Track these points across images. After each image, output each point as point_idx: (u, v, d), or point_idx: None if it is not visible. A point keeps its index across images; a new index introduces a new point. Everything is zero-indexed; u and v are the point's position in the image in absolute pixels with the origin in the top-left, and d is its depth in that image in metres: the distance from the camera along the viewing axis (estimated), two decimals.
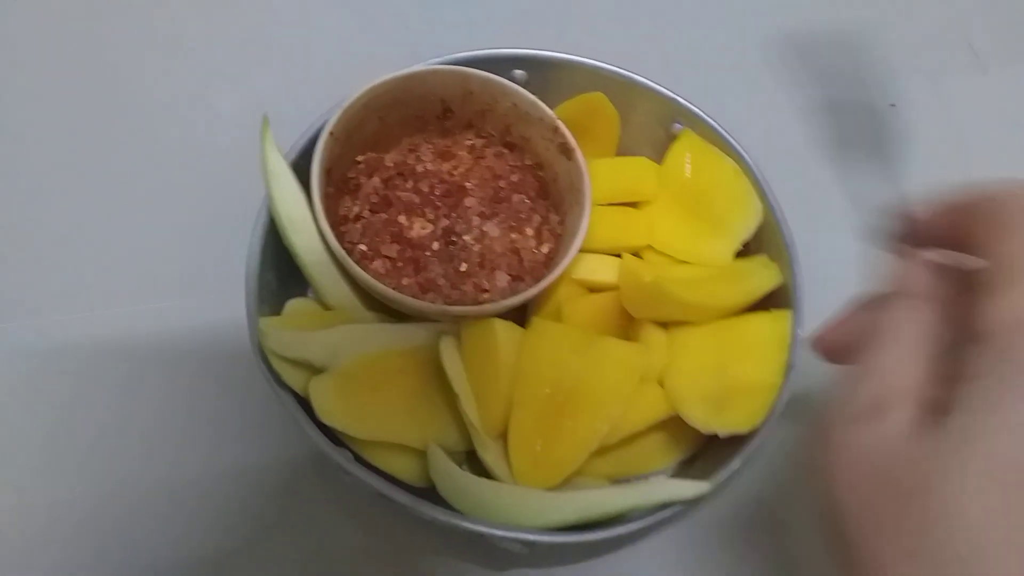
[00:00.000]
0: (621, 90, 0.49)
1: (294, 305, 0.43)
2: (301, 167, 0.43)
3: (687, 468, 0.44)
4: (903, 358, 0.25)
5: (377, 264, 0.45)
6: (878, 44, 0.61)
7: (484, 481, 0.38)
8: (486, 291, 0.45)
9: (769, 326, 0.42)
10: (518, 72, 0.50)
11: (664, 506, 0.37)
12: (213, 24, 0.62)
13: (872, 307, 0.28)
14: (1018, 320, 0.22)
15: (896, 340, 0.25)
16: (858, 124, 0.54)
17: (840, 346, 0.30)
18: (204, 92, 0.58)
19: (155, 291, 0.50)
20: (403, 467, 0.40)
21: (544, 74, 0.50)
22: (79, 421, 0.46)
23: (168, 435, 0.46)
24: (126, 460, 0.45)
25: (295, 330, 0.38)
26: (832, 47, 0.61)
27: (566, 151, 0.47)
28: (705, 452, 0.43)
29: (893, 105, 0.59)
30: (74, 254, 0.51)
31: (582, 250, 0.46)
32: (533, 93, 0.47)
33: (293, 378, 0.38)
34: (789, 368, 0.40)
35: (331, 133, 0.43)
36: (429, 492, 0.39)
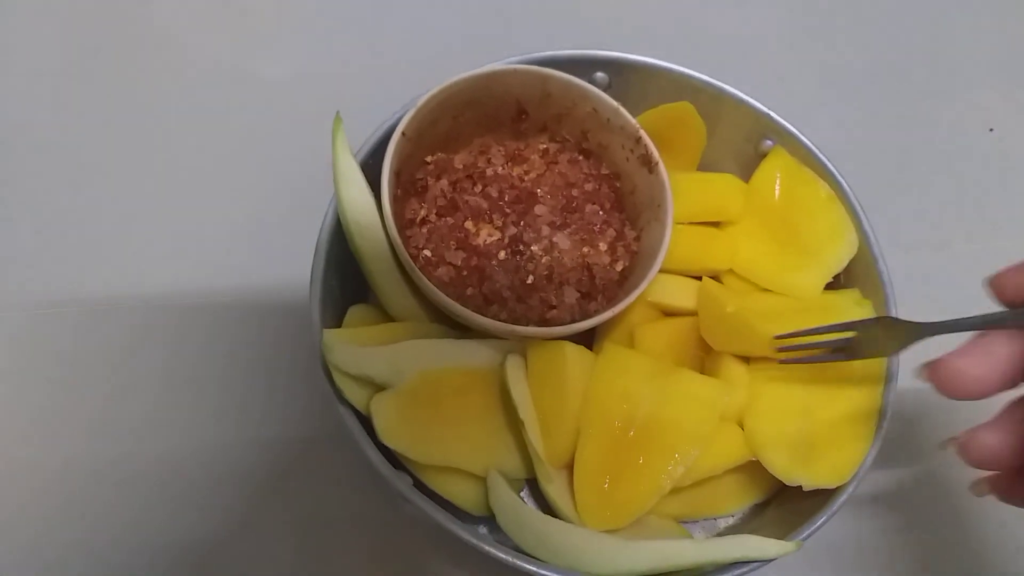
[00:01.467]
0: (709, 101, 0.46)
1: (356, 312, 0.41)
2: (369, 166, 0.41)
3: (759, 513, 0.41)
4: None
5: (441, 271, 0.43)
6: (973, 66, 0.58)
7: (552, 520, 0.35)
8: (554, 307, 0.43)
9: (862, 369, 0.39)
10: (599, 75, 0.47)
11: (741, 563, 0.34)
12: (287, 13, 0.60)
13: None
14: None
15: None
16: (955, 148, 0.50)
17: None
18: (276, 82, 0.57)
19: (217, 281, 0.49)
20: (462, 493, 0.38)
21: (627, 79, 0.47)
22: (129, 384, 0.46)
23: (203, 406, 0.46)
24: (170, 425, 0.45)
25: (358, 345, 0.36)
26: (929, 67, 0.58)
27: (648, 163, 0.44)
28: (780, 499, 0.41)
29: (992, 130, 0.55)
30: (139, 224, 0.51)
31: (660, 270, 0.43)
32: (614, 98, 0.44)
33: (355, 395, 0.36)
34: (882, 418, 0.37)
35: (403, 133, 0.41)
36: (486, 520, 0.37)
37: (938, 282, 0.31)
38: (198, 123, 0.55)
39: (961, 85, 0.56)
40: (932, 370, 0.27)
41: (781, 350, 0.36)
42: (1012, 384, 0.27)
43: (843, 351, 0.34)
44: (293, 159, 0.49)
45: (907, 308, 0.40)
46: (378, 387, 0.37)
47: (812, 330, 0.36)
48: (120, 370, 0.46)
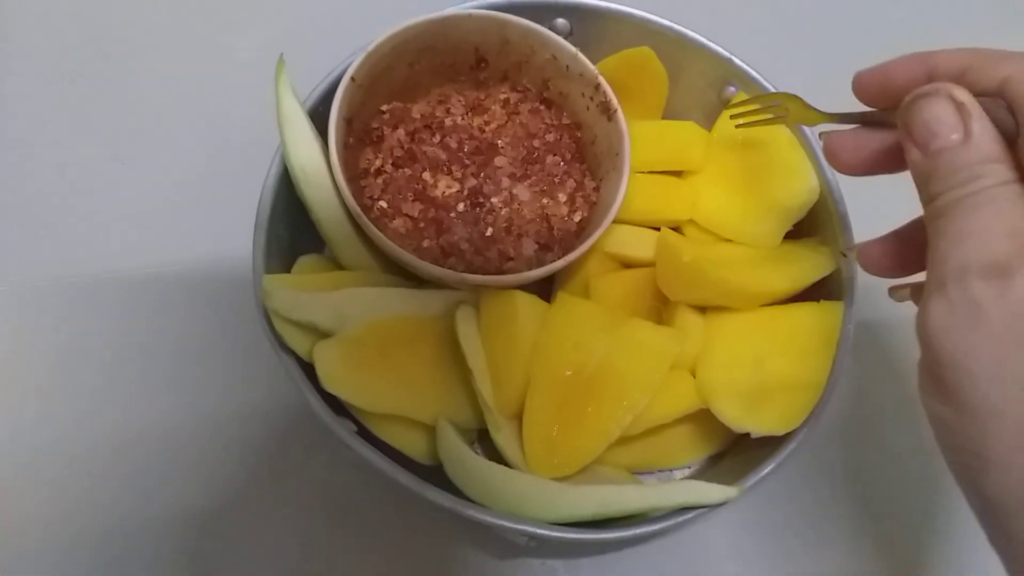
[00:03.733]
0: (671, 47, 0.45)
1: (306, 262, 0.41)
2: (321, 115, 0.40)
3: (714, 464, 0.41)
4: (1005, 213, 0.24)
5: (397, 223, 0.42)
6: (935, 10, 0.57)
7: (496, 467, 0.35)
8: (511, 259, 0.42)
9: (817, 318, 0.38)
10: (560, 21, 0.46)
11: (686, 508, 0.34)
12: None
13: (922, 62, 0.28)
14: None
15: (994, 199, 0.24)
16: None
17: (884, 88, 0.29)
18: (218, 35, 0.55)
19: (167, 238, 0.48)
20: (410, 442, 0.38)
21: (588, 25, 0.46)
22: (79, 360, 0.45)
23: (171, 379, 0.45)
24: (126, 401, 0.44)
25: (301, 291, 0.36)
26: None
27: (607, 111, 0.43)
28: (735, 449, 0.40)
29: None
30: (86, 197, 0.50)
31: (617, 221, 0.42)
32: (576, 46, 0.43)
33: (297, 342, 0.36)
34: (836, 367, 0.37)
35: (352, 79, 0.40)
36: (436, 470, 0.36)
37: (899, 218, 0.32)
38: (136, 88, 0.53)
39: (921, 29, 0.55)
40: (825, 140, 0.32)
41: (733, 117, 0.38)
42: (883, 170, 0.31)
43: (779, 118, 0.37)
44: (243, 118, 0.47)
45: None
46: (323, 335, 0.36)
47: (750, 99, 0.38)
48: (68, 346, 0.45)
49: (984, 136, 0.25)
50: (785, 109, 0.36)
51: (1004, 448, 0.23)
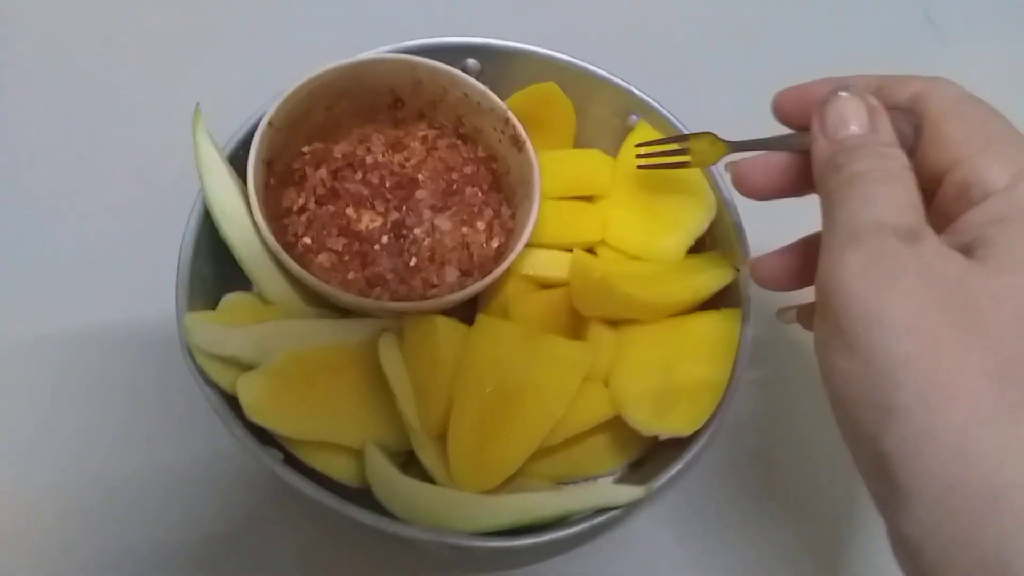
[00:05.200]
0: (577, 81, 0.48)
1: (230, 300, 0.42)
2: (242, 159, 0.42)
3: (635, 471, 0.42)
4: (908, 190, 0.26)
5: (322, 258, 0.44)
6: (832, 17, 0.60)
7: (418, 484, 0.36)
8: (435, 286, 0.44)
9: (718, 325, 0.41)
10: (471, 61, 0.49)
11: (600, 511, 0.35)
12: (148, 15, 0.60)
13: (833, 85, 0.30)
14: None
15: (899, 176, 0.26)
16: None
17: (803, 106, 0.32)
18: (140, 87, 0.56)
19: (89, 290, 0.48)
20: (340, 468, 0.39)
21: (498, 64, 0.48)
22: (12, 419, 0.45)
23: (105, 433, 0.44)
24: (60, 459, 0.44)
25: (223, 325, 0.37)
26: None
27: (517, 143, 0.46)
28: (654, 455, 0.42)
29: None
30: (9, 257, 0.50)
31: (534, 245, 0.44)
32: (488, 84, 0.46)
33: (220, 375, 0.37)
34: (736, 368, 0.39)
35: (270, 123, 0.42)
36: (366, 493, 0.37)
37: (795, 232, 0.35)
38: (45, 135, 0.54)
39: (812, 58, 0.60)
40: (732, 169, 0.35)
41: (639, 157, 0.42)
42: (788, 193, 0.34)
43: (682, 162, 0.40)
44: (166, 170, 0.47)
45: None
46: (247, 368, 0.37)
47: (657, 141, 0.42)
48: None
49: (888, 132, 0.28)
50: (691, 150, 0.39)
51: (909, 397, 0.23)
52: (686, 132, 0.46)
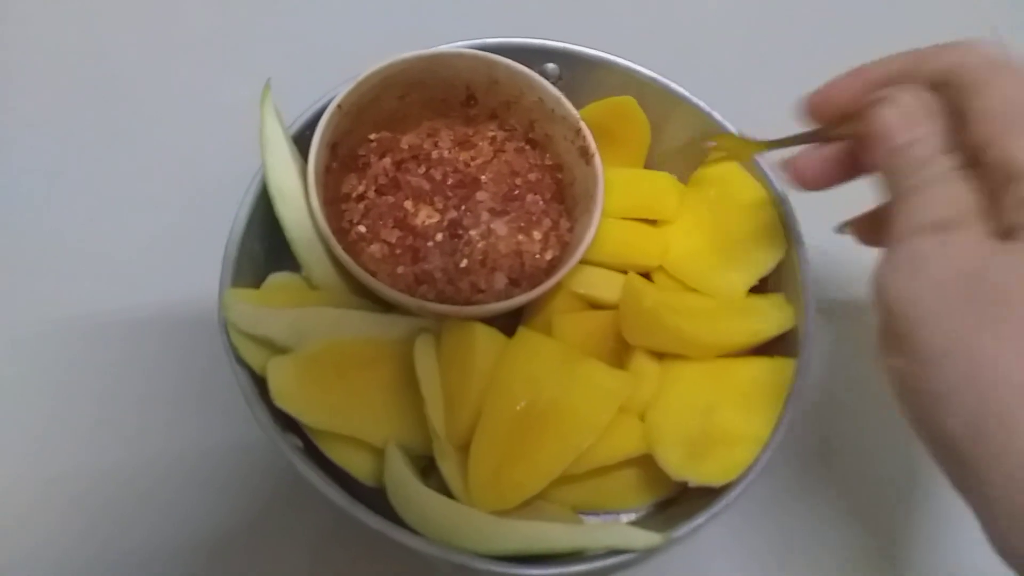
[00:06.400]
0: (656, 98, 0.46)
1: (276, 279, 0.42)
2: (307, 139, 0.42)
3: (660, 512, 0.40)
4: (953, 179, 0.27)
5: (374, 248, 0.43)
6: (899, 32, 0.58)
7: (433, 494, 0.35)
8: (482, 291, 0.43)
9: (769, 373, 0.38)
10: (550, 66, 0.47)
11: (615, 552, 0.34)
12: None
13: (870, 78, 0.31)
14: None
15: (939, 179, 0.27)
16: None
17: (834, 108, 0.33)
18: (207, 72, 0.57)
19: (149, 280, 0.49)
20: (359, 464, 0.38)
21: (578, 71, 0.47)
22: (60, 404, 0.45)
23: (156, 420, 0.45)
24: (78, 445, 0.44)
25: (261, 305, 0.37)
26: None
27: (585, 154, 0.44)
28: (683, 498, 0.40)
29: None
30: (62, 242, 0.50)
31: (589, 263, 0.43)
32: (565, 91, 0.45)
33: (253, 356, 0.37)
34: (781, 423, 0.36)
35: (339, 106, 0.42)
36: (383, 495, 0.37)
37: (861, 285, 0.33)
38: (120, 127, 0.54)
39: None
40: (784, 165, 0.36)
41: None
42: (842, 180, 0.35)
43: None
44: (227, 158, 0.45)
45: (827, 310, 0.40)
46: (280, 352, 0.37)
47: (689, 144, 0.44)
48: (50, 391, 0.45)
49: (930, 137, 0.28)
50: (722, 148, 0.39)
51: (951, 386, 0.24)
52: (762, 164, 0.43)
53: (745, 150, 0.38)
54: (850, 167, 0.34)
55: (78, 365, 0.46)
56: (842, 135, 0.33)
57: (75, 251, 0.50)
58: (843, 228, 0.38)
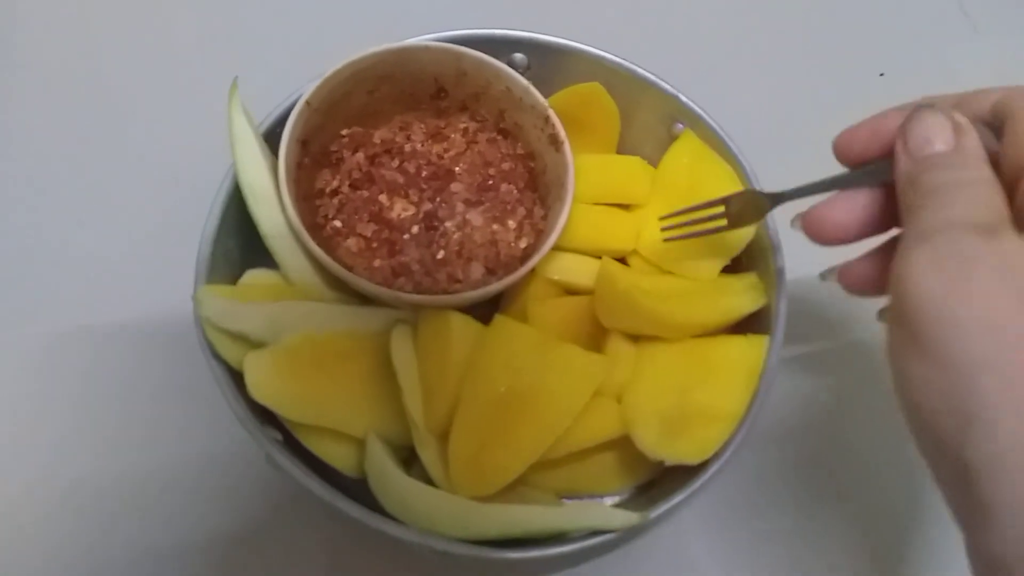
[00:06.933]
0: (624, 84, 0.46)
1: (252, 276, 0.42)
2: (278, 136, 0.42)
3: (642, 494, 0.41)
4: (988, 193, 0.25)
5: (350, 242, 0.44)
6: (867, 8, 0.60)
7: (413, 482, 0.36)
8: (459, 281, 0.43)
9: (743, 351, 0.39)
10: (518, 56, 0.48)
11: (595, 533, 0.34)
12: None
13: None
14: None
15: (978, 181, 0.26)
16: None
17: (864, 146, 0.31)
18: (179, 64, 0.57)
19: (113, 286, 0.48)
20: (340, 456, 0.38)
21: (545, 61, 0.47)
22: (41, 412, 0.45)
23: (130, 429, 0.44)
24: (85, 455, 0.44)
25: (235, 300, 0.37)
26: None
27: (555, 142, 0.44)
28: (664, 479, 0.40)
29: (882, 74, 0.58)
30: (42, 253, 0.50)
31: (562, 249, 0.43)
32: (533, 80, 0.45)
33: (229, 351, 0.37)
34: (756, 398, 0.37)
35: (307, 103, 0.42)
36: (365, 486, 0.37)
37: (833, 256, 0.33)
38: (92, 129, 0.54)
39: (849, 51, 0.58)
40: (803, 218, 0.32)
41: (664, 229, 0.41)
42: (871, 232, 0.32)
43: (719, 226, 0.38)
44: (197, 163, 0.44)
45: (802, 290, 0.40)
46: (255, 346, 0.37)
47: (689, 208, 0.40)
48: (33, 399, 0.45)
49: (974, 149, 0.26)
50: (728, 212, 0.37)
51: (992, 402, 0.22)
52: (730, 144, 0.43)
53: (754, 212, 0.36)
54: (880, 217, 0.31)
55: (78, 376, 0.46)
56: (874, 175, 0.31)
57: (47, 259, 0.49)
58: (827, 275, 0.35)
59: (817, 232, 0.32)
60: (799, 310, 0.40)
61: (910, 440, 0.25)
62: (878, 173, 0.30)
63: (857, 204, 0.31)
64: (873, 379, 0.47)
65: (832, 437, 0.46)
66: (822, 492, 0.45)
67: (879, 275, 0.32)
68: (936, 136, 0.27)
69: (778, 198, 0.36)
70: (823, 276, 0.35)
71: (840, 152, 0.32)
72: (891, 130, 0.29)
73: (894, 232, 0.32)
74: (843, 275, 0.33)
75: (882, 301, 0.33)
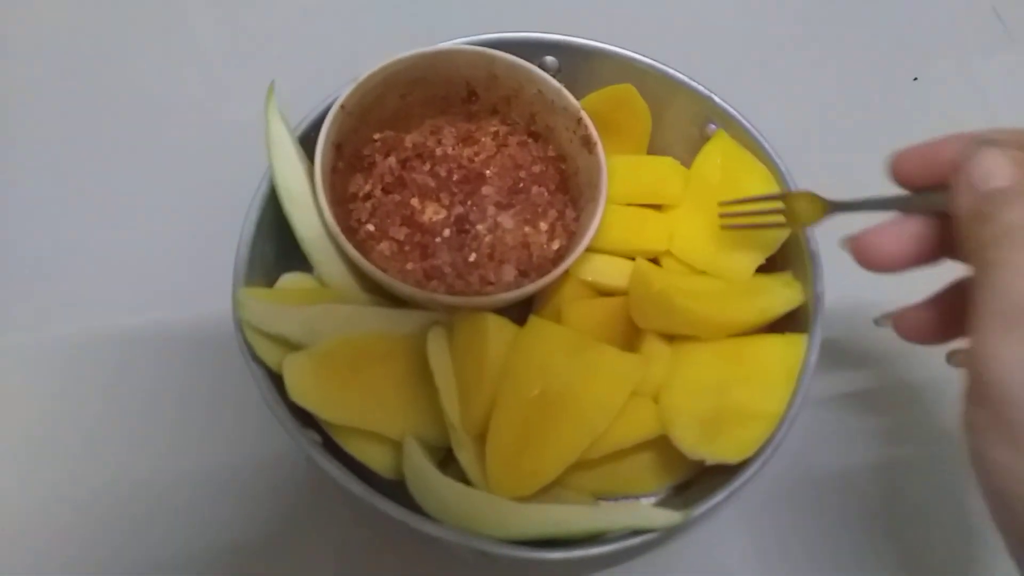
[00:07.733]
0: (655, 84, 0.46)
1: (289, 279, 0.42)
2: (312, 140, 0.42)
3: (679, 494, 0.41)
4: None
5: (383, 246, 0.44)
6: (901, 13, 0.60)
7: (452, 483, 0.36)
8: (491, 284, 0.43)
9: (780, 350, 0.38)
10: (549, 59, 0.48)
11: (635, 532, 0.34)
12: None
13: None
14: None
15: None
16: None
17: (916, 170, 0.30)
18: (216, 70, 0.58)
19: (160, 292, 0.49)
20: (378, 457, 0.39)
21: (576, 63, 0.47)
22: (75, 414, 0.45)
23: (170, 432, 0.45)
24: (110, 460, 0.44)
25: (275, 303, 0.37)
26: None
27: (588, 144, 0.44)
28: (701, 479, 0.40)
29: (916, 79, 0.58)
30: (73, 254, 0.50)
31: (595, 250, 0.43)
32: (564, 82, 0.45)
33: (268, 354, 0.37)
34: (796, 398, 0.37)
35: (342, 106, 0.42)
36: (402, 487, 0.37)
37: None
38: (125, 136, 0.54)
39: (884, 54, 0.57)
40: (852, 241, 0.32)
41: (722, 216, 0.41)
42: (921, 262, 0.31)
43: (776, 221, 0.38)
44: (234, 171, 0.44)
45: (835, 288, 0.39)
46: (295, 349, 0.38)
47: (748, 199, 0.40)
48: (60, 402, 0.45)
49: None
50: (787, 209, 0.37)
51: None
52: (766, 145, 0.43)
53: (812, 213, 0.36)
54: (930, 249, 0.30)
55: (107, 379, 0.46)
56: (933, 203, 0.30)
57: (83, 261, 0.50)
58: (882, 321, 0.34)
59: (866, 259, 0.31)
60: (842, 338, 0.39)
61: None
62: (937, 202, 0.29)
63: (907, 232, 0.31)
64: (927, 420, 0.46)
65: (878, 479, 0.46)
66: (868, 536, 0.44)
67: (939, 325, 0.31)
68: (999, 171, 0.26)
69: (838, 206, 0.35)
70: (877, 322, 0.34)
71: (894, 174, 0.31)
72: (946, 160, 0.28)
73: (948, 272, 0.31)
74: (899, 323, 0.32)
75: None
